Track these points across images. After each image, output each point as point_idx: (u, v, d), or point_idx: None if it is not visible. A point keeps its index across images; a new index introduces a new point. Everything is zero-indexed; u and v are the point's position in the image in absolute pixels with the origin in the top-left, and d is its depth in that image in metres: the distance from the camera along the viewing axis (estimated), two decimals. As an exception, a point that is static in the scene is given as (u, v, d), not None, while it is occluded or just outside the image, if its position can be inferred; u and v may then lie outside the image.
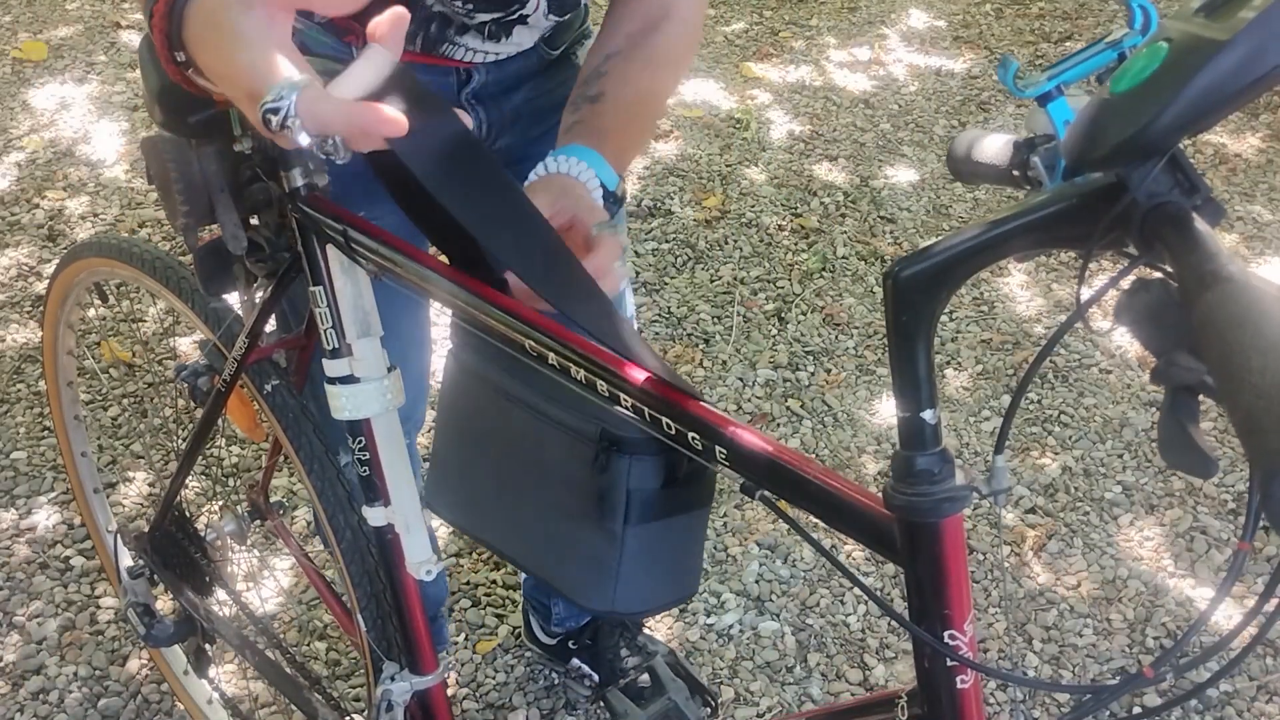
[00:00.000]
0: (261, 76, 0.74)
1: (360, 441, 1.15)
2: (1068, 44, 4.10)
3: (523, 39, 1.33)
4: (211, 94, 0.88)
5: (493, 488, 1.06)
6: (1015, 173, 0.75)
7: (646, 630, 2.01)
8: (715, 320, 2.86)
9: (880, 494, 0.75)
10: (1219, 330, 0.50)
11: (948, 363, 2.73)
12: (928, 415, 0.69)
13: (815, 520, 0.80)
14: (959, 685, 0.77)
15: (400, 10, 0.80)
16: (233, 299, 1.33)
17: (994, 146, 0.78)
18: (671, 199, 3.29)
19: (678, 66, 1.27)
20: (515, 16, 1.27)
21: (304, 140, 0.73)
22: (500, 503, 1.05)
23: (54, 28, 4.15)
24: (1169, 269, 0.60)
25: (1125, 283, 0.63)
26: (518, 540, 1.05)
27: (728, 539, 2.28)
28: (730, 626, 2.11)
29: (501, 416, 1.01)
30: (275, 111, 0.73)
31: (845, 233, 3.16)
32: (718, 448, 0.80)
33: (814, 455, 2.48)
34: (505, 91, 1.39)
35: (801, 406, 2.60)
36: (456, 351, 1.08)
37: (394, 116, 0.72)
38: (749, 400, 2.62)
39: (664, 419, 0.82)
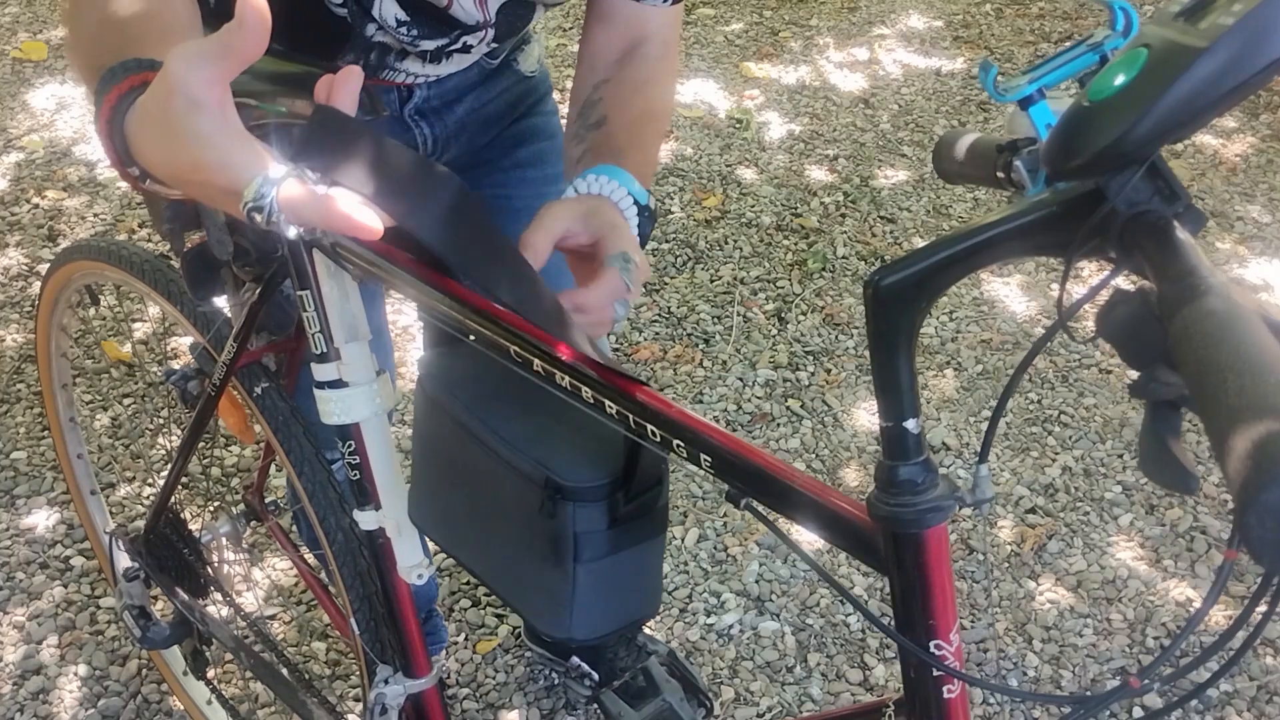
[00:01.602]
0: (236, 173, 0.73)
1: (350, 445, 1.15)
2: (1067, 44, 4.09)
3: (463, 60, 1.33)
4: (173, 197, 0.87)
5: (462, 514, 1.08)
6: (999, 175, 0.74)
7: (646, 630, 2.01)
8: (715, 320, 2.86)
9: (865, 503, 0.74)
10: (1195, 348, 0.49)
11: (948, 363, 2.72)
12: (910, 425, 0.69)
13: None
14: (945, 695, 0.77)
15: (354, 70, 0.80)
16: (222, 302, 1.33)
17: (978, 148, 0.78)
18: (671, 199, 3.29)
19: (667, 84, 1.27)
20: (459, 45, 1.26)
21: (292, 233, 0.73)
22: (469, 527, 1.07)
23: (54, 28, 4.15)
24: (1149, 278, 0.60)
25: (1108, 291, 0.63)
26: (486, 564, 1.07)
27: (728, 539, 2.28)
28: (730, 626, 2.11)
29: (463, 450, 1.03)
30: (260, 210, 0.72)
31: (845, 233, 3.15)
32: (703, 455, 0.79)
33: (814, 455, 2.48)
34: (448, 105, 1.39)
35: (801, 406, 2.59)
36: (424, 380, 1.09)
37: (368, 223, 0.72)
38: (749, 400, 2.62)
39: (649, 426, 0.82)
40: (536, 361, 0.87)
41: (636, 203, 1.10)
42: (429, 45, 1.24)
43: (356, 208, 0.72)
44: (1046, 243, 0.64)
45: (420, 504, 1.14)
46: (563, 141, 1.24)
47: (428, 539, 1.15)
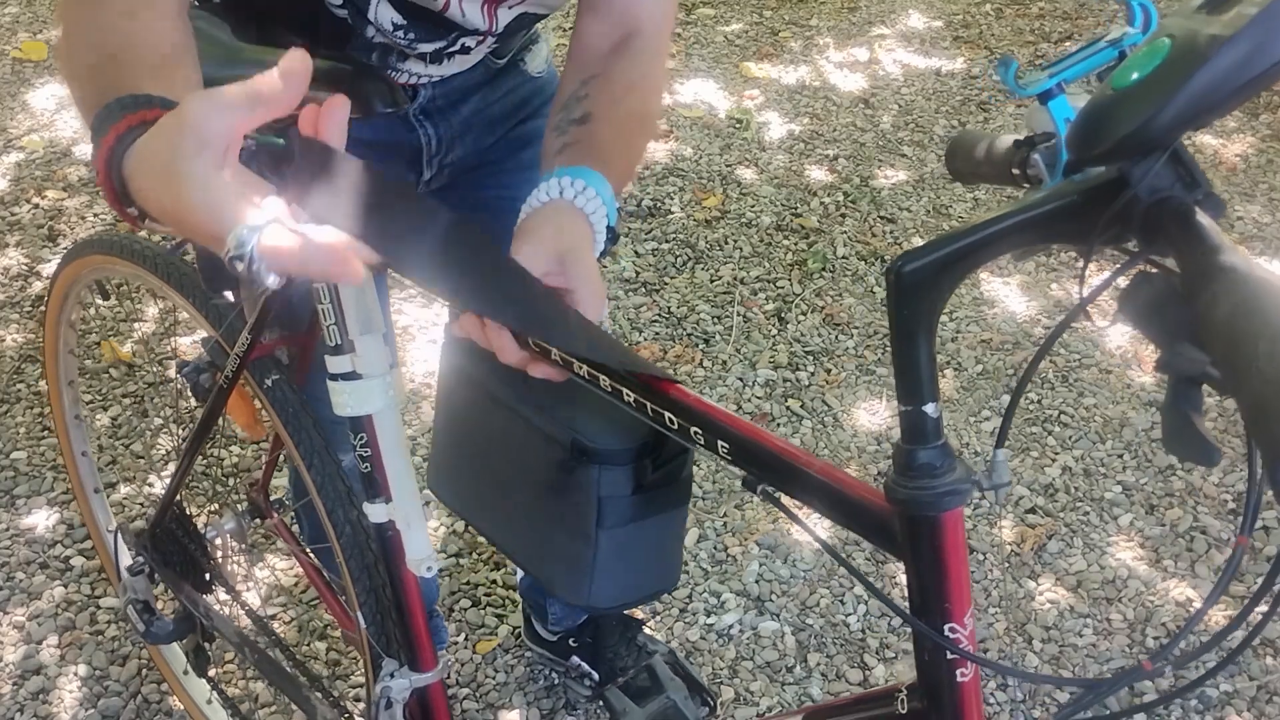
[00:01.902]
0: (219, 220, 0.71)
1: (362, 437, 1.16)
2: (1067, 44, 4.10)
3: (465, 61, 1.32)
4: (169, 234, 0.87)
5: (484, 482, 1.08)
6: (1015, 171, 0.75)
7: (647, 630, 2.01)
8: (715, 320, 2.86)
9: (881, 488, 0.75)
10: (1225, 319, 0.50)
11: (948, 363, 2.73)
12: (929, 409, 0.69)
13: (815, 516, 0.80)
14: (959, 679, 0.77)
15: (339, 99, 0.78)
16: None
17: (994, 146, 0.79)
18: (671, 199, 3.29)
19: (657, 84, 1.25)
20: (458, 46, 1.26)
21: (272, 282, 0.71)
22: (491, 496, 1.07)
23: (54, 28, 4.15)
24: (1170, 263, 0.60)
25: (1126, 277, 0.64)
26: (506, 533, 1.07)
27: (728, 539, 2.28)
28: (730, 626, 2.11)
29: (488, 417, 1.03)
30: (240, 259, 0.69)
31: (845, 233, 3.16)
32: (720, 442, 0.80)
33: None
34: (453, 105, 1.39)
35: (801, 406, 2.60)
36: (449, 348, 1.09)
37: (350, 270, 0.70)
38: (749, 400, 2.62)
39: (667, 414, 0.82)
40: (555, 350, 0.88)
41: (608, 218, 1.05)
42: (427, 48, 1.24)
43: (338, 255, 0.70)
44: (1066, 231, 0.65)
45: (440, 473, 1.14)
46: (544, 130, 1.20)
47: (449, 509, 1.15)
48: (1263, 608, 0.67)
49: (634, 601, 1.02)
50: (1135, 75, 0.59)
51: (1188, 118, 0.58)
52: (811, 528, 0.77)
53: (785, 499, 0.79)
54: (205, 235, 0.73)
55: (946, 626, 0.75)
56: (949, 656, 0.77)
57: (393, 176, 0.92)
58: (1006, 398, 2.60)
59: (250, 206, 0.71)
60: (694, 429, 0.80)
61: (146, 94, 0.82)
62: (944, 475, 0.71)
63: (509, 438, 1.01)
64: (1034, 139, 0.74)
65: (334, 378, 1.11)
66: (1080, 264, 0.65)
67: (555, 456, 0.96)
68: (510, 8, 1.22)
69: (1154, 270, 0.62)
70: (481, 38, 1.25)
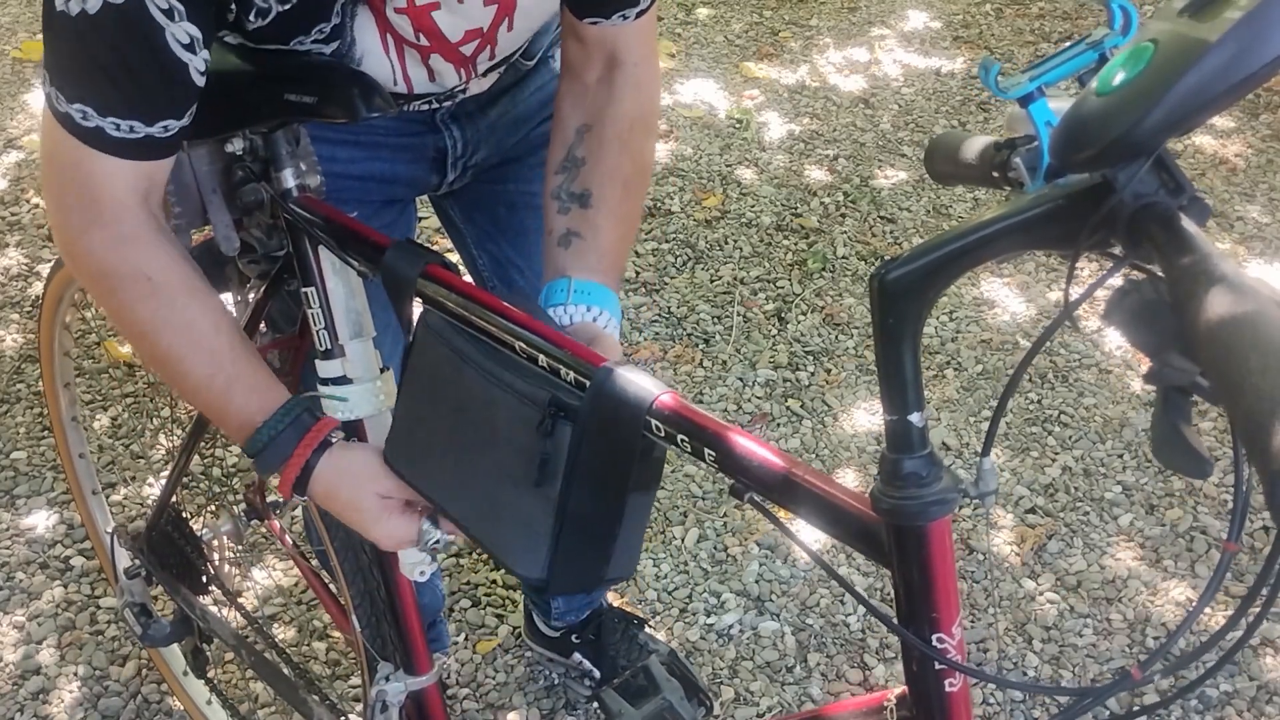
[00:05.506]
0: (393, 540, 1.11)
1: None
2: (1067, 45, 4.09)
3: (484, 83, 1.32)
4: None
5: (443, 446, 1.02)
6: (995, 174, 0.74)
7: (647, 630, 2.01)
8: (715, 320, 2.86)
9: (869, 497, 0.75)
10: (1215, 331, 0.50)
11: (948, 363, 2.72)
12: (915, 418, 0.69)
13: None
14: (947, 688, 0.77)
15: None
16: (227, 299, 1.33)
17: (973, 148, 0.78)
18: (671, 199, 3.29)
19: (649, 125, 1.24)
20: (466, 91, 1.27)
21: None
22: (448, 461, 1.01)
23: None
24: (1157, 269, 0.60)
25: (1114, 283, 0.63)
26: (461, 500, 1.01)
27: (728, 539, 2.28)
28: (730, 626, 2.11)
29: (459, 375, 0.97)
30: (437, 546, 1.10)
31: (845, 233, 3.16)
32: (707, 450, 0.79)
33: (814, 455, 2.48)
34: (482, 108, 1.38)
35: (801, 406, 2.59)
36: (427, 312, 1.05)
37: None
38: (749, 400, 2.62)
39: (653, 420, 0.82)
40: (542, 357, 0.88)
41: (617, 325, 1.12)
42: (441, 100, 1.25)
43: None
44: (1051, 236, 0.64)
45: (398, 443, 1.08)
46: (543, 183, 1.20)
47: (404, 479, 1.09)
48: (1257, 607, 0.66)
49: (591, 584, 0.97)
50: (1119, 80, 0.59)
51: (1173, 123, 0.57)
52: (799, 536, 0.77)
53: (773, 507, 0.79)
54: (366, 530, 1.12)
55: (934, 636, 0.75)
56: (937, 667, 0.76)
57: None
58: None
59: (410, 524, 1.10)
60: (680, 436, 0.80)
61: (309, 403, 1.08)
62: (930, 485, 0.70)
63: (477, 398, 0.96)
64: (1015, 141, 0.74)
65: (324, 382, 1.11)
66: (1068, 268, 0.64)
67: (527, 414, 0.90)
68: (491, 60, 1.21)
69: (1141, 277, 0.62)
70: (481, 80, 1.26)
